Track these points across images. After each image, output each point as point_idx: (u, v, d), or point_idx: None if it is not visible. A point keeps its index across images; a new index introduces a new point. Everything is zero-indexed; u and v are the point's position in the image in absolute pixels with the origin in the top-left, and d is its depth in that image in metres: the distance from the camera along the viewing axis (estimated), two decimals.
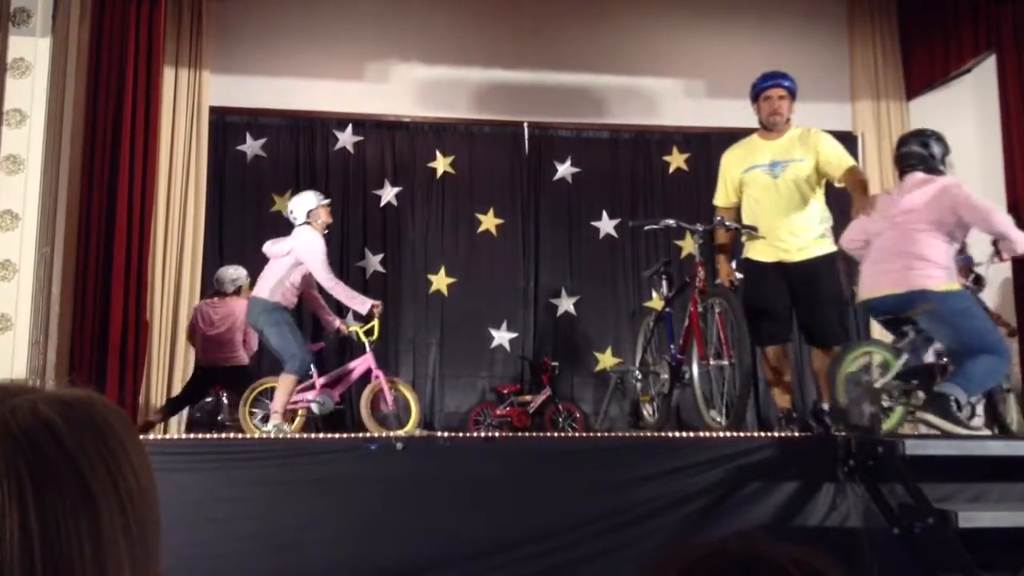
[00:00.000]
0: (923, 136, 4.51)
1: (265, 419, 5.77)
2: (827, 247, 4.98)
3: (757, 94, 5.17)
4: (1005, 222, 4.09)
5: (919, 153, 4.39)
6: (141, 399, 6.20)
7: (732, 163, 5.18)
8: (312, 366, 5.90)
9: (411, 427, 5.89)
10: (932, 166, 4.35)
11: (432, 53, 7.88)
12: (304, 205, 5.86)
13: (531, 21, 7.98)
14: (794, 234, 4.95)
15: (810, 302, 4.97)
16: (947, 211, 4.10)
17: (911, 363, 4.19)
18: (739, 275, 5.33)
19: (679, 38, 8.17)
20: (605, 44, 8.05)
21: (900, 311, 4.17)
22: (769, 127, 5.11)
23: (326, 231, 5.89)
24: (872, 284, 4.24)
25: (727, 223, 5.19)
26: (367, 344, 6.06)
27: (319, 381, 5.97)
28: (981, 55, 7.17)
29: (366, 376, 6.09)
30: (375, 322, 6.00)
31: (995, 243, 4.32)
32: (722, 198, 5.28)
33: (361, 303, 5.82)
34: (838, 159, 4.95)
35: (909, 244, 4.09)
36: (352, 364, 6.17)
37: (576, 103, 8.06)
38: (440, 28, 7.89)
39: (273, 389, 5.81)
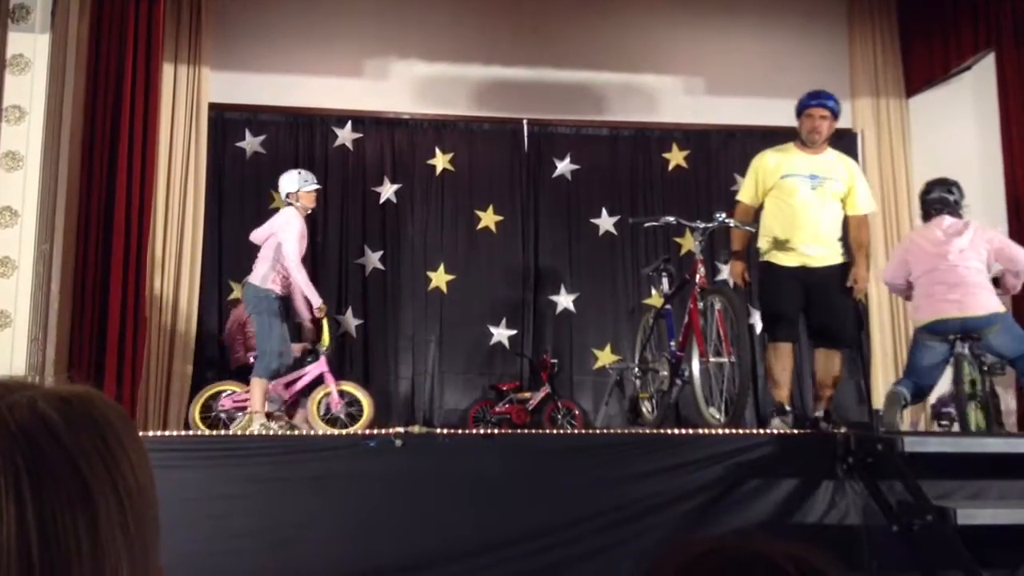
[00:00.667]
0: (947, 184, 5.23)
1: (222, 423, 5.79)
2: (846, 256, 5.19)
3: (801, 110, 5.26)
4: None
5: (946, 199, 5.15)
6: (140, 395, 6.19)
7: (769, 166, 5.22)
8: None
9: (363, 424, 5.93)
10: (956, 211, 5.11)
11: (432, 50, 7.87)
12: (285, 187, 5.83)
13: (531, 18, 7.97)
14: (821, 244, 5.11)
15: (830, 305, 5.06)
16: (990, 253, 4.95)
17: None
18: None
19: (679, 35, 8.17)
20: (605, 41, 8.04)
21: (972, 330, 4.86)
22: (808, 143, 5.21)
23: (307, 212, 5.82)
24: (936, 309, 4.89)
25: (745, 226, 5.21)
26: (320, 350, 6.14)
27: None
28: (981, 52, 7.16)
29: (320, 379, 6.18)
30: (325, 330, 6.08)
31: (996, 279, 5.09)
32: (750, 196, 5.30)
33: (314, 296, 5.75)
34: (864, 200, 5.26)
35: (970, 276, 4.85)
36: (305, 369, 6.22)
37: (576, 100, 8.05)
38: (440, 25, 7.88)
39: (221, 393, 5.87)
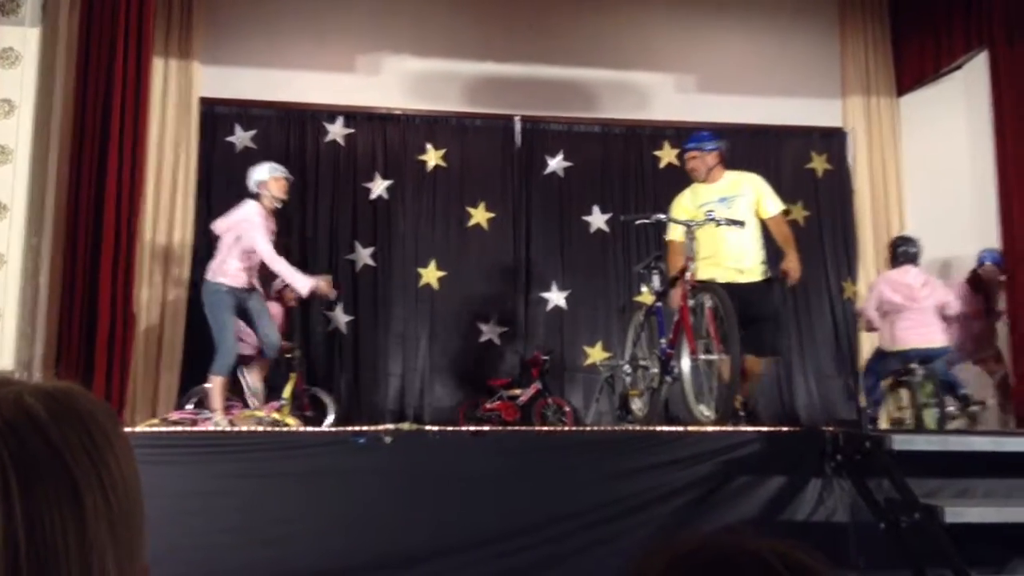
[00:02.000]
0: (911, 240, 6.52)
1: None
2: (767, 272, 5.56)
3: (684, 152, 5.88)
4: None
5: (914, 253, 6.39)
6: (128, 392, 6.17)
7: (687, 203, 5.66)
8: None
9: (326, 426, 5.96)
10: (916, 261, 6.39)
11: (424, 46, 7.86)
12: (254, 176, 5.79)
13: (524, 14, 7.97)
14: (742, 259, 5.44)
15: (757, 319, 5.28)
16: (942, 300, 6.24)
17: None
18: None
19: (671, 33, 8.17)
20: (597, 38, 8.04)
21: (932, 357, 6.12)
22: (704, 176, 5.67)
23: (279, 205, 5.78)
24: (909, 339, 6.12)
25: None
26: (293, 361, 6.20)
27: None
28: (972, 51, 7.18)
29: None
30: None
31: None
32: (679, 234, 5.53)
33: (303, 283, 5.70)
34: (772, 202, 5.64)
35: (933, 316, 6.15)
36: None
37: (568, 97, 8.05)
38: (433, 21, 7.87)
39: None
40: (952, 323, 6.33)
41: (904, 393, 6.18)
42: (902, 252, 6.39)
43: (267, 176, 5.74)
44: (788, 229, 5.66)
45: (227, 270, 5.59)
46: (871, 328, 6.59)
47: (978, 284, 6.68)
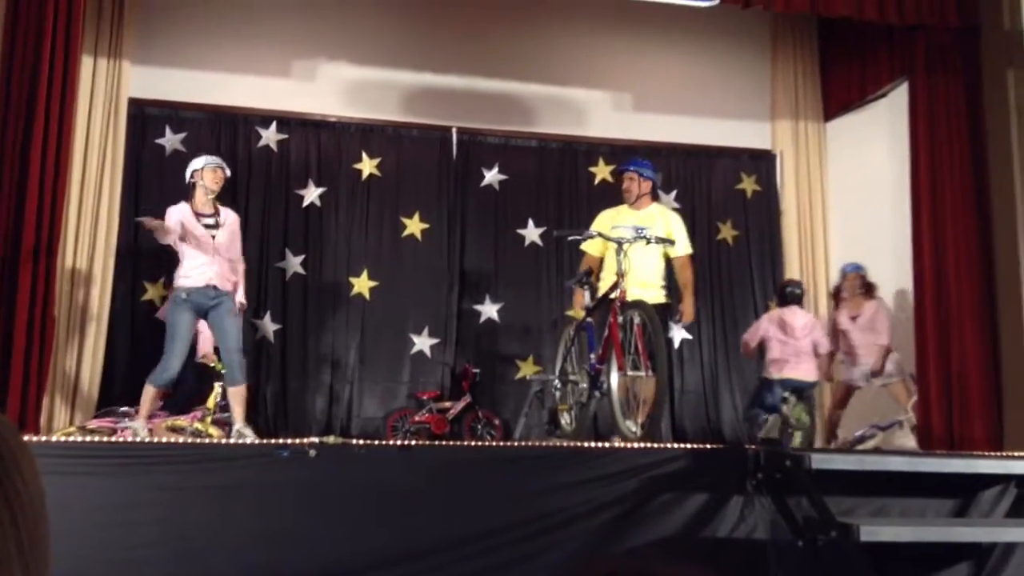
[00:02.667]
0: (798, 283, 7.20)
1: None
2: (667, 298, 5.95)
3: (621, 172, 6.19)
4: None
5: (799, 295, 6.96)
6: (46, 399, 5.98)
7: (606, 222, 5.96)
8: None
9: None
10: (801, 301, 6.98)
11: (361, 54, 7.81)
12: (191, 167, 5.71)
13: (463, 26, 7.97)
14: (645, 287, 5.72)
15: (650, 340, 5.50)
16: (817, 339, 6.81)
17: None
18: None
19: (609, 51, 8.26)
20: (536, 53, 8.10)
21: (803, 389, 6.74)
22: (624, 200, 6.05)
23: (210, 195, 5.65)
24: (790, 370, 6.66)
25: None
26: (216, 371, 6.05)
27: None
28: (896, 81, 7.42)
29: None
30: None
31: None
32: (597, 248, 5.96)
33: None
34: (682, 245, 5.98)
35: (808, 351, 6.72)
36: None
37: (505, 110, 8.08)
38: (370, 29, 7.83)
39: None
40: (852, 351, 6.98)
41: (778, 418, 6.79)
42: (788, 293, 6.97)
43: (202, 165, 5.66)
44: (691, 274, 6.04)
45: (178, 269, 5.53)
46: (748, 354, 7.20)
47: (840, 296, 7.20)
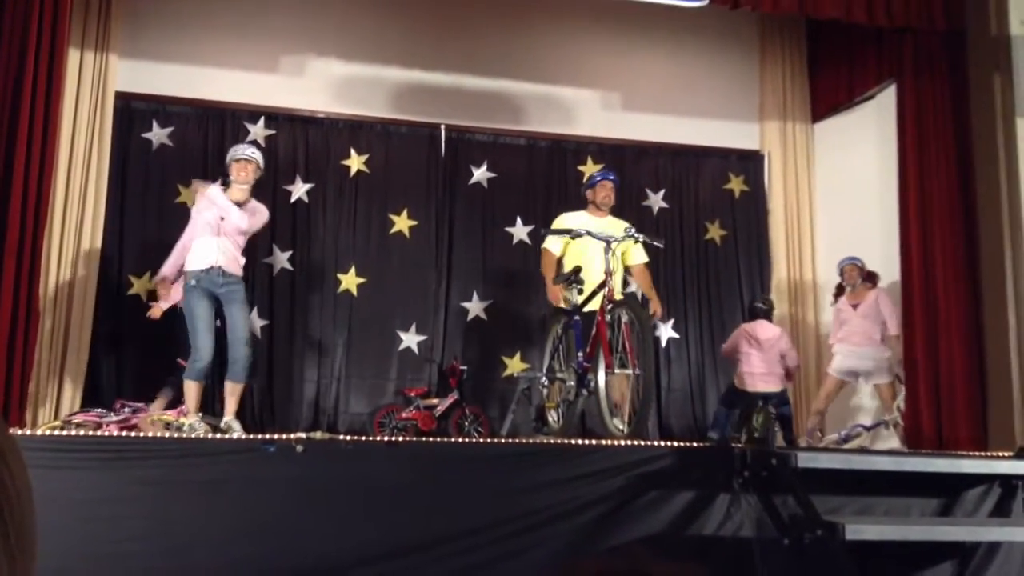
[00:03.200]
0: (768, 300, 7.56)
1: None
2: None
3: (596, 182, 6.39)
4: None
5: (766, 310, 7.29)
6: (30, 393, 5.94)
7: (569, 221, 6.17)
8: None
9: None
10: (771, 318, 7.34)
11: (350, 50, 7.79)
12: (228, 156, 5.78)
13: (452, 24, 7.97)
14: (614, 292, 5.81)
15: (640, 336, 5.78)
16: (783, 350, 7.10)
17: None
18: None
19: (598, 51, 8.28)
20: (526, 51, 8.10)
21: (769, 398, 6.96)
22: (601, 208, 6.29)
23: (243, 186, 5.65)
24: (760, 383, 6.94)
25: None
26: None
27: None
28: (884, 83, 7.46)
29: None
30: None
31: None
32: (558, 248, 6.20)
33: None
34: (639, 253, 6.33)
35: (775, 365, 7.00)
36: None
37: (494, 108, 8.08)
38: (359, 24, 7.81)
39: None
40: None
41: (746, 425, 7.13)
42: (755, 308, 7.35)
43: (230, 158, 5.71)
44: (648, 277, 6.45)
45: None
46: (730, 362, 7.42)
47: (842, 290, 7.31)
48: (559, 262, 6.20)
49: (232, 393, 5.52)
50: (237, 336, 5.50)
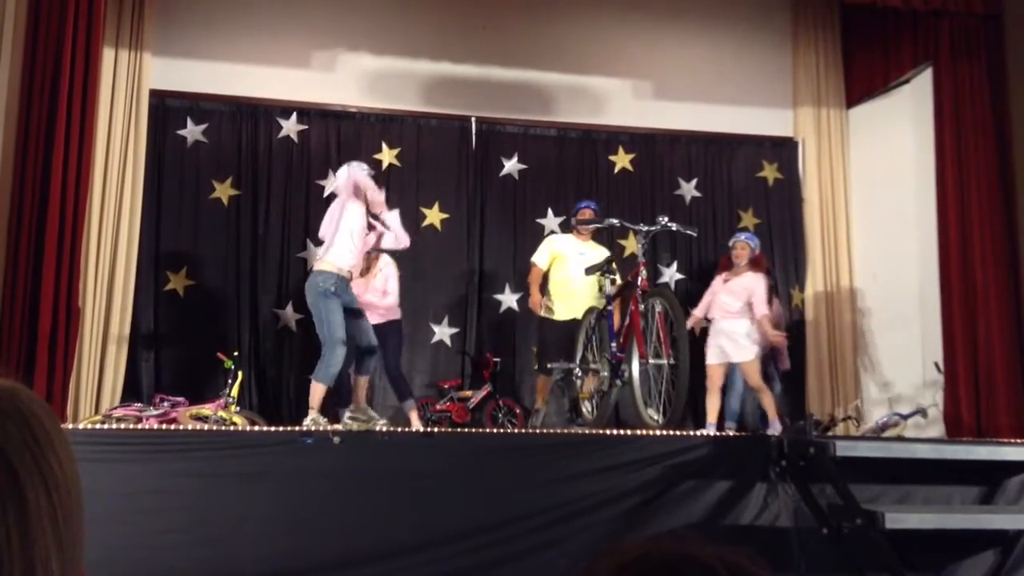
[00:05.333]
0: None
1: None
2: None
3: (578, 210, 6.79)
4: None
5: None
6: (71, 388, 6.03)
7: (556, 241, 6.77)
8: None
9: None
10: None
11: (381, 44, 7.81)
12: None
13: (481, 16, 7.96)
14: (580, 302, 6.34)
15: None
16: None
17: None
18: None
19: (628, 39, 8.23)
20: (555, 42, 8.07)
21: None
22: (582, 232, 6.68)
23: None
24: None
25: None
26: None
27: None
28: (919, 67, 7.34)
29: None
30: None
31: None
32: (544, 262, 6.61)
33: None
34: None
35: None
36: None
37: (524, 99, 8.06)
38: (389, 19, 7.83)
39: None
40: None
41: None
42: None
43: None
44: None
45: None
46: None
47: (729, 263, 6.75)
48: (546, 277, 6.62)
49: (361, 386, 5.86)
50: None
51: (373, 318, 6.02)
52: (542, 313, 6.50)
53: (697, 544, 0.82)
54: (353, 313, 5.49)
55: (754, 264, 6.64)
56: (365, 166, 5.82)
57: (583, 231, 6.71)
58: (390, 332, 6.39)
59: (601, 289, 6.00)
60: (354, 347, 5.52)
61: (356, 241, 5.49)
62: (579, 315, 6.31)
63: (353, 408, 5.79)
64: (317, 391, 5.36)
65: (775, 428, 6.10)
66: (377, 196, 5.58)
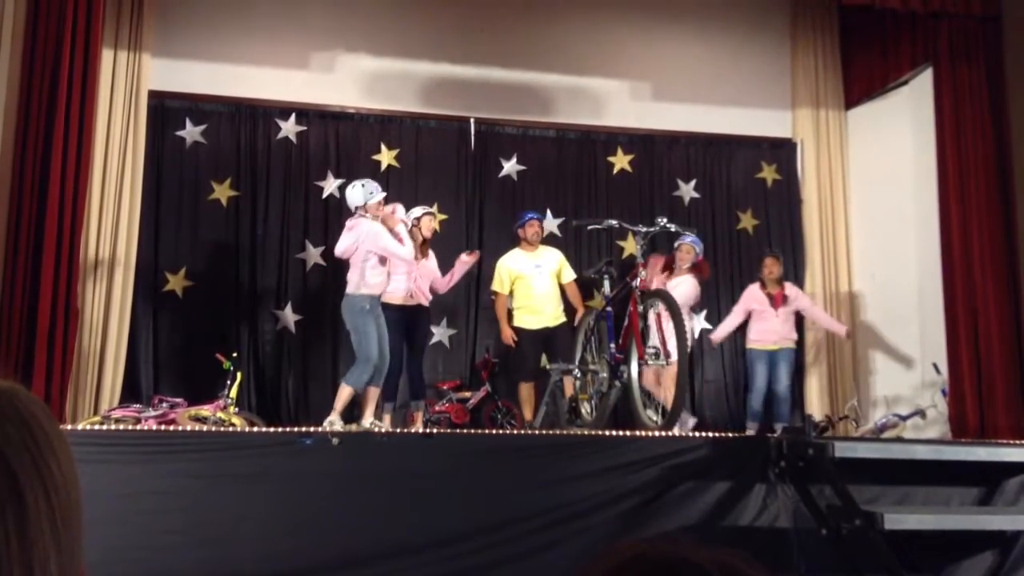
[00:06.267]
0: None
1: None
2: (564, 319, 6.83)
3: (525, 222, 6.99)
4: None
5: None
6: (70, 389, 6.03)
7: (510, 265, 6.91)
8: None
9: None
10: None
11: (379, 45, 7.81)
12: (353, 200, 6.01)
13: (479, 17, 7.96)
14: (549, 310, 6.74)
15: (556, 353, 6.59)
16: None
17: None
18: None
19: (627, 41, 8.23)
20: (553, 43, 8.07)
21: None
22: (531, 243, 6.93)
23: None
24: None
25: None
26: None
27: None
28: (918, 67, 7.35)
29: None
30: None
31: None
32: (504, 288, 6.87)
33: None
34: (568, 272, 6.99)
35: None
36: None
37: (523, 101, 8.06)
38: (387, 20, 7.83)
39: None
40: None
41: None
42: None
43: (363, 201, 5.93)
44: (579, 292, 7.00)
45: (367, 283, 5.83)
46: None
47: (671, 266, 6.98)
48: (511, 296, 6.88)
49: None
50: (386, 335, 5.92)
51: (419, 298, 6.47)
52: (511, 343, 6.85)
53: (692, 546, 0.82)
54: (382, 331, 5.83)
55: (694, 269, 6.84)
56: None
57: (532, 241, 6.93)
58: (422, 320, 6.66)
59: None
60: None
61: (386, 266, 5.89)
62: (549, 323, 6.68)
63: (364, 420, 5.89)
64: (344, 393, 5.65)
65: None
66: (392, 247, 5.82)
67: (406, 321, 6.36)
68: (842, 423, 7.21)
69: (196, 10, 7.48)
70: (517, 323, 6.82)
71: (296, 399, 7.26)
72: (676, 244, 6.97)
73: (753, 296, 7.20)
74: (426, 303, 6.58)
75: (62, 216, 5.63)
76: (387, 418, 6.20)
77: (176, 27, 7.38)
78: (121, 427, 5.51)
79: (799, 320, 7.99)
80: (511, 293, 6.90)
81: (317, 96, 7.70)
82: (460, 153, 7.92)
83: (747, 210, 8.27)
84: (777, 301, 7.10)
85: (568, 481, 4.26)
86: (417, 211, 6.62)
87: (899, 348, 7.48)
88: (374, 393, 5.85)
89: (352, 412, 6.23)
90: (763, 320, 7.13)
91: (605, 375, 5.61)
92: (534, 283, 6.77)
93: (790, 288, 7.25)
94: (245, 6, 7.60)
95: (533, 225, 6.97)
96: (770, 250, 7.46)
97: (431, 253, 6.77)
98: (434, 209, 7.01)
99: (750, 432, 6.44)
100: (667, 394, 5.31)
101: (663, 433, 4.86)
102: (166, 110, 7.38)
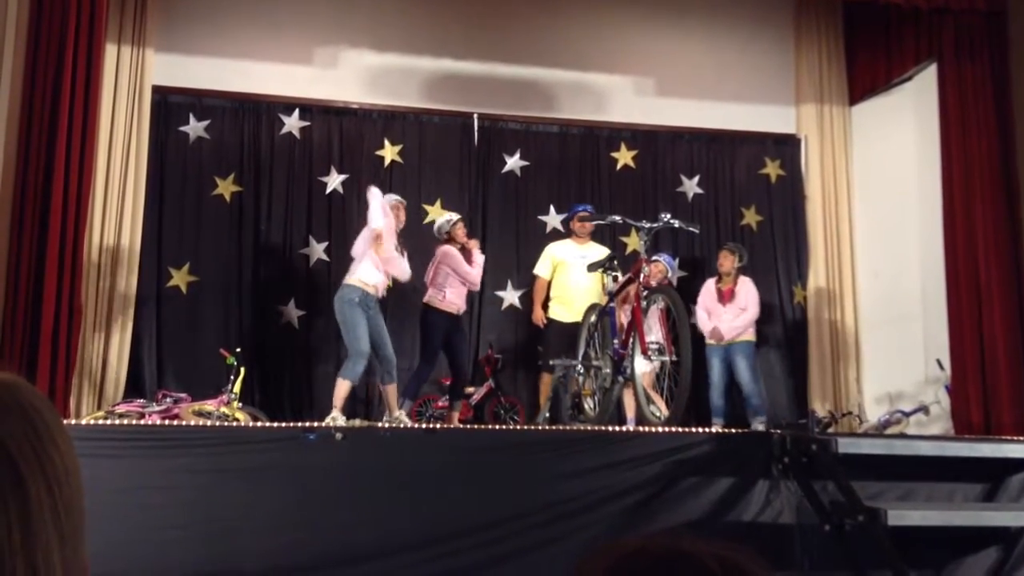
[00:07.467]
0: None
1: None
2: None
3: (574, 215, 7.11)
4: None
5: None
6: (74, 384, 6.05)
7: (555, 250, 7.05)
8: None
9: None
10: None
11: (382, 40, 7.81)
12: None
13: (482, 12, 7.95)
14: (582, 304, 6.51)
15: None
16: None
17: None
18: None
19: (631, 36, 8.22)
20: (557, 38, 8.06)
21: None
22: (580, 236, 7.03)
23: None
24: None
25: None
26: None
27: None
28: (922, 63, 7.33)
29: None
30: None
31: None
32: (546, 272, 7.00)
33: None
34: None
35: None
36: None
37: (527, 96, 8.06)
38: (391, 15, 7.82)
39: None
40: None
41: None
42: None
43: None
44: None
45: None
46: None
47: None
48: (549, 285, 6.95)
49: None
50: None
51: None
52: (541, 325, 6.90)
53: (692, 541, 0.82)
54: (377, 327, 5.87)
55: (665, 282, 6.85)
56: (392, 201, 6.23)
57: (582, 234, 6.97)
58: (462, 326, 6.88)
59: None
60: (379, 358, 5.92)
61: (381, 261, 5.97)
62: (580, 318, 6.43)
63: (387, 416, 5.96)
64: (342, 387, 5.67)
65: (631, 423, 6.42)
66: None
67: (452, 328, 6.56)
68: (845, 419, 7.21)
69: (199, 5, 7.48)
70: (550, 314, 6.89)
71: (299, 394, 7.27)
72: (652, 258, 6.76)
73: (707, 290, 7.22)
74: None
75: (66, 211, 5.64)
76: (402, 415, 6.22)
77: (180, 22, 7.38)
78: (125, 422, 5.52)
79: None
80: (550, 283, 6.97)
81: (320, 91, 7.70)
82: (463, 148, 7.91)
83: (751, 206, 8.26)
84: (725, 297, 7.08)
85: (571, 477, 4.26)
86: (453, 217, 6.74)
87: (902, 344, 7.47)
88: (392, 390, 5.90)
89: (366, 409, 6.30)
90: (714, 316, 7.09)
91: (608, 371, 5.61)
92: (574, 273, 6.80)
93: (744, 284, 7.10)
94: (249, 1, 7.60)
95: (584, 219, 7.00)
96: (728, 243, 7.40)
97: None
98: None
99: (716, 428, 6.38)
100: (670, 390, 5.30)
101: (666, 429, 4.85)
102: (169, 105, 7.39)
